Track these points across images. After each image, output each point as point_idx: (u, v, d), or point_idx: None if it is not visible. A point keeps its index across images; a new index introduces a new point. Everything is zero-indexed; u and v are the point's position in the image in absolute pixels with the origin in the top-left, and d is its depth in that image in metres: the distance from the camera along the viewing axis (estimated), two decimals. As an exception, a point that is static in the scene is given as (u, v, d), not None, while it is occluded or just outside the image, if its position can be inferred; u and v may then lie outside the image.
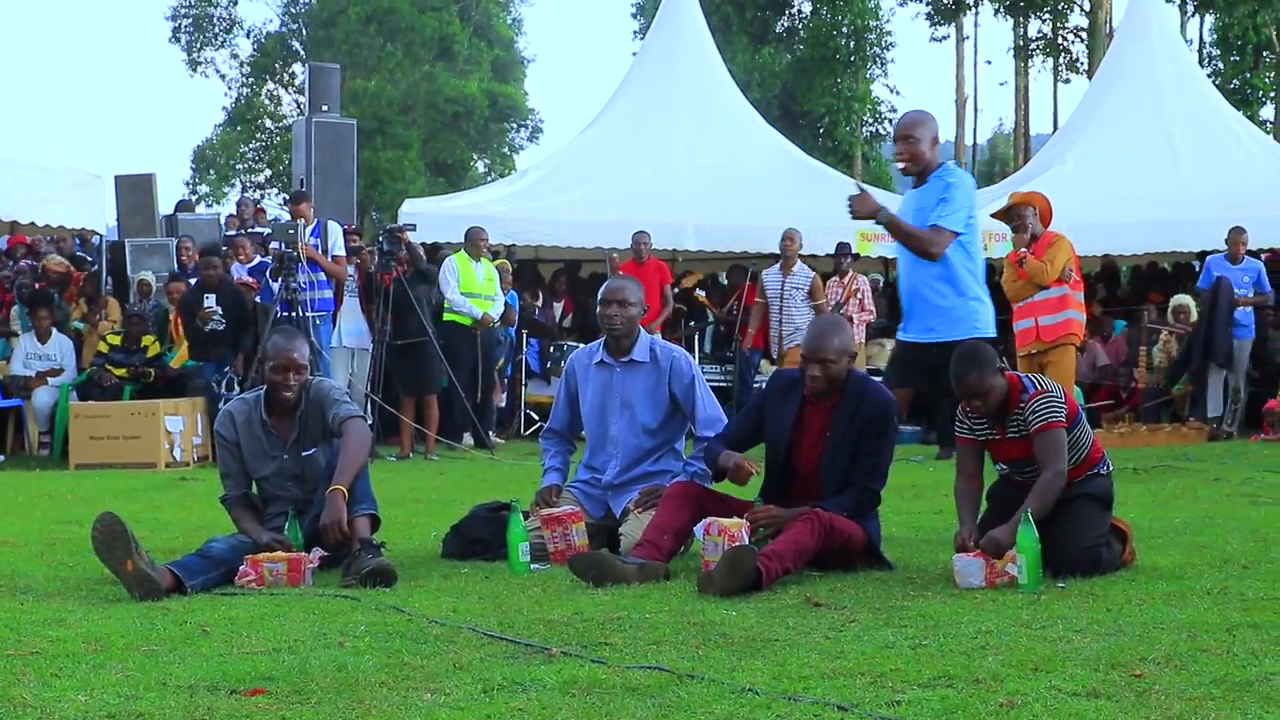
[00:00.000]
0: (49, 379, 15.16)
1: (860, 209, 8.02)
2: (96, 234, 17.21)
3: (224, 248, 17.00)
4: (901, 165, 8.05)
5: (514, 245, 18.65)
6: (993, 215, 12.61)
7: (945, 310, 8.14)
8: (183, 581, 6.06)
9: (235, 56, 55.24)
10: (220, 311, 14.38)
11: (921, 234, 7.97)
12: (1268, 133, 32.69)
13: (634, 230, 16.74)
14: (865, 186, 8.06)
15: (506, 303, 16.00)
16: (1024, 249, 11.52)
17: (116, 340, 15.13)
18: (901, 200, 8.42)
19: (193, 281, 15.38)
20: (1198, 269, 20.89)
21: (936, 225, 7.94)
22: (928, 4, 49.80)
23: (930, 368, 8.09)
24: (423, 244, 16.43)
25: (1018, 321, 11.76)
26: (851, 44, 48.24)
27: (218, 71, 55.45)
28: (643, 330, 7.47)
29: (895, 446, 6.90)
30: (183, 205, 22.91)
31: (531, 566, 6.69)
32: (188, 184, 54.86)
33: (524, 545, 6.71)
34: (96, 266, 17.65)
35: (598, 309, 7.45)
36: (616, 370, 7.36)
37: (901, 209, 8.30)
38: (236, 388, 13.48)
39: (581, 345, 11.07)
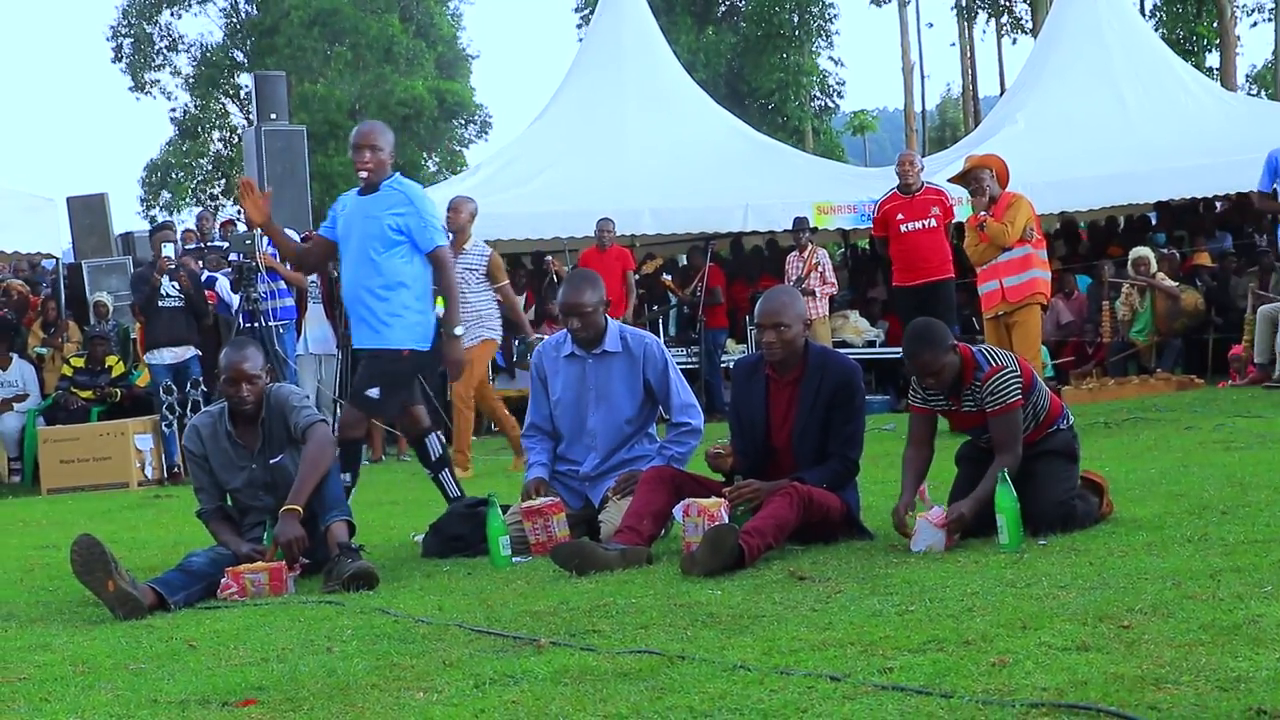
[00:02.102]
0: (14, 405, 15.07)
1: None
2: (52, 257, 17.08)
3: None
4: (365, 174, 7.91)
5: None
6: (949, 180, 12.63)
7: (391, 316, 7.85)
8: (165, 598, 6.04)
9: (178, 73, 54.86)
10: (177, 287, 14.22)
11: (448, 279, 7.96)
12: (1214, 79, 32.85)
13: (592, 219, 16.64)
14: None
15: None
16: (983, 212, 11.52)
17: (80, 363, 15.05)
18: (347, 206, 8.21)
19: None
20: (1154, 221, 21.03)
21: (439, 247, 7.87)
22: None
23: (381, 374, 7.86)
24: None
25: (982, 284, 11.75)
26: (795, 19, 48.34)
27: (163, 91, 55.06)
28: (610, 319, 7.40)
29: (866, 415, 6.91)
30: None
31: (513, 559, 6.69)
32: (142, 200, 54.50)
33: (504, 539, 6.71)
34: (46, 290, 17.52)
35: (560, 318, 7.33)
36: (589, 362, 7.28)
37: (349, 214, 8.02)
38: (201, 403, 13.35)
39: (546, 336, 10.99)
